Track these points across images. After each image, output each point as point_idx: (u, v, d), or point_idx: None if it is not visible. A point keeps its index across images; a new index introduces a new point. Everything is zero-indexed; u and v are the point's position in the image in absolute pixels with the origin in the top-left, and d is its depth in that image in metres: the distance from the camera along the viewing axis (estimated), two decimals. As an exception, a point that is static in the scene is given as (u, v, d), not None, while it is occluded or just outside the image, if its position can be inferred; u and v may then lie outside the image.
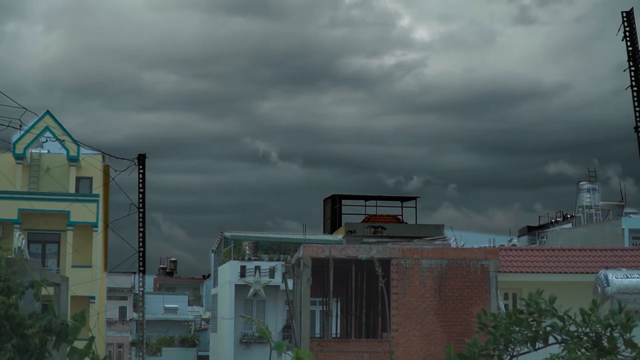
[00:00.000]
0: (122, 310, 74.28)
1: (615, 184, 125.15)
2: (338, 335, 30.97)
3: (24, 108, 25.69)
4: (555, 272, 28.94)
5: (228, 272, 50.31)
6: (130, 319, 72.51)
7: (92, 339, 12.04)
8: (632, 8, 36.50)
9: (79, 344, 13.58)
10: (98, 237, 41.49)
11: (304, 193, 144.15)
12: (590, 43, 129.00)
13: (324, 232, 58.51)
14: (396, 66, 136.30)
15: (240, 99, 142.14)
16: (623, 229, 47.11)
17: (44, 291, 13.22)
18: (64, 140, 41.50)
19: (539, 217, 64.61)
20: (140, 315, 42.31)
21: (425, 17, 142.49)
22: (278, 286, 48.20)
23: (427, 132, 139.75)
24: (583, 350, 13.59)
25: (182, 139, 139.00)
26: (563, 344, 13.90)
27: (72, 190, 42.14)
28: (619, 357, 13.49)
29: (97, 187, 42.81)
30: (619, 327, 13.55)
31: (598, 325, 13.65)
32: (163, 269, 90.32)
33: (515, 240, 57.64)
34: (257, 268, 49.53)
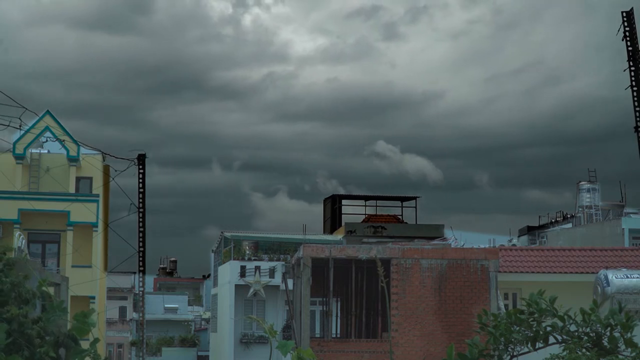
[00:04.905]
0: (122, 310, 74.32)
1: (493, 189, 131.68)
2: (338, 335, 30.96)
3: (24, 108, 25.68)
4: (555, 272, 28.95)
5: (228, 272, 50.30)
6: (130, 319, 72.55)
7: (96, 340, 12.02)
8: (632, 8, 36.49)
9: (81, 344, 13.59)
10: (98, 237, 41.50)
11: (226, 195, 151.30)
12: (463, 57, 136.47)
13: (324, 232, 58.51)
14: (269, 77, 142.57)
15: (123, 108, 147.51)
16: (623, 229, 47.11)
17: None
18: (64, 140, 41.49)
19: (539, 217, 64.67)
20: (140, 315, 42.32)
21: (300, 32, 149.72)
22: (278, 286, 48.19)
23: (314, 139, 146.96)
24: (583, 350, 13.61)
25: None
26: (563, 344, 13.92)
27: (72, 190, 42.14)
28: (620, 356, 13.50)
29: (97, 187, 42.81)
30: (619, 326, 13.56)
31: (598, 325, 13.67)
32: (163, 269, 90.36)
33: (515, 240, 57.65)
34: (257, 268, 49.52)
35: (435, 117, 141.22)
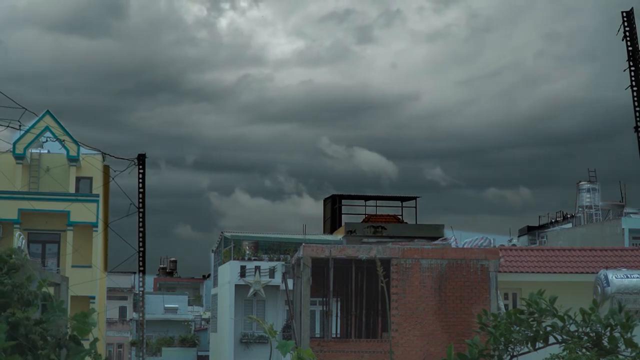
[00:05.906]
0: (122, 310, 74.34)
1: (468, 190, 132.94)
2: (338, 335, 30.96)
3: (24, 108, 25.71)
4: (555, 272, 28.95)
5: (228, 272, 50.31)
6: (130, 319, 72.56)
7: (95, 340, 12.02)
8: (632, 8, 36.46)
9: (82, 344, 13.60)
10: (98, 237, 41.50)
11: (194, 195, 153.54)
12: (437, 60, 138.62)
13: (324, 232, 58.51)
14: (245, 80, 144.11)
15: (99, 110, 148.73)
16: (623, 229, 47.10)
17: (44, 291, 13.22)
18: (64, 140, 41.50)
19: (539, 217, 64.68)
20: (140, 315, 42.31)
21: (277, 35, 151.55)
22: (278, 286, 48.20)
23: (289, 140, 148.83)
24: (583, 350, 13.61)
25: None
26: (563, 344, 13.92)
27: (72, 190, 42.15)
28: (620, 356, 13.50)
29: (97, 187, 42.82)
30: (619, 326, 13.56)
31: (598, 325, 13.67)
32: (163, 269, 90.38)
33: (515, 240, 57.60)
34: (257, 268, 49.52)
35: (412, 119, 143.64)
